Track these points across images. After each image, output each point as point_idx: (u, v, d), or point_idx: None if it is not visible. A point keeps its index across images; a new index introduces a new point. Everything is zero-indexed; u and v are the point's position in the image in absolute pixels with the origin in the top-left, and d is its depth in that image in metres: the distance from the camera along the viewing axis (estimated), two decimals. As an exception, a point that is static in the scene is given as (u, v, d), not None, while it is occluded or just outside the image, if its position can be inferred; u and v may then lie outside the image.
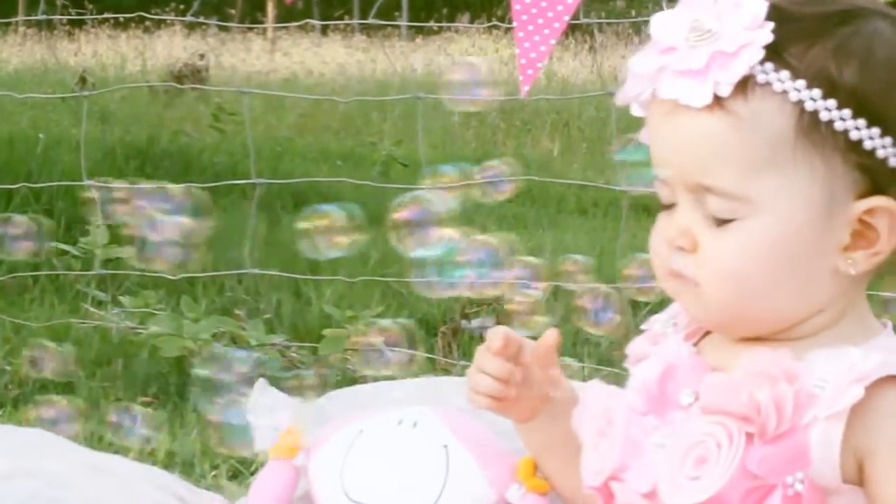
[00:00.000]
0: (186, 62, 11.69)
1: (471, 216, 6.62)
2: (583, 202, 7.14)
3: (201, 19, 7.29)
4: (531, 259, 1.78)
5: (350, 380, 3.45)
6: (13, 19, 14.02)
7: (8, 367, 3.49)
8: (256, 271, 4.06)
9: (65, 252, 4.49)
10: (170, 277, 4.06)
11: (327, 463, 1.82)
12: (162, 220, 1.65)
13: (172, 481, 2.15)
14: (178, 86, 9.84)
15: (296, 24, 10.89)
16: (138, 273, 4.27)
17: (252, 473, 2.76)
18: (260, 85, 11.41)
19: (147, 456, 2.89)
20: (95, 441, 3.00)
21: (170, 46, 15.10)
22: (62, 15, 8.77)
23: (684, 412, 1.32)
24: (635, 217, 4.95)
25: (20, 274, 4.45)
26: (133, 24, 15.69)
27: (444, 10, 20.42)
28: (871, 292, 1.38)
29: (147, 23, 14.77)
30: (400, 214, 1.55)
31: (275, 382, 2.73)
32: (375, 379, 2.69)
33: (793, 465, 1.24)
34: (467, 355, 3.81)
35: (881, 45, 1.27)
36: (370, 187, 5.91)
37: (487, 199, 1.56)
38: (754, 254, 1.28)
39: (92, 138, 6.13)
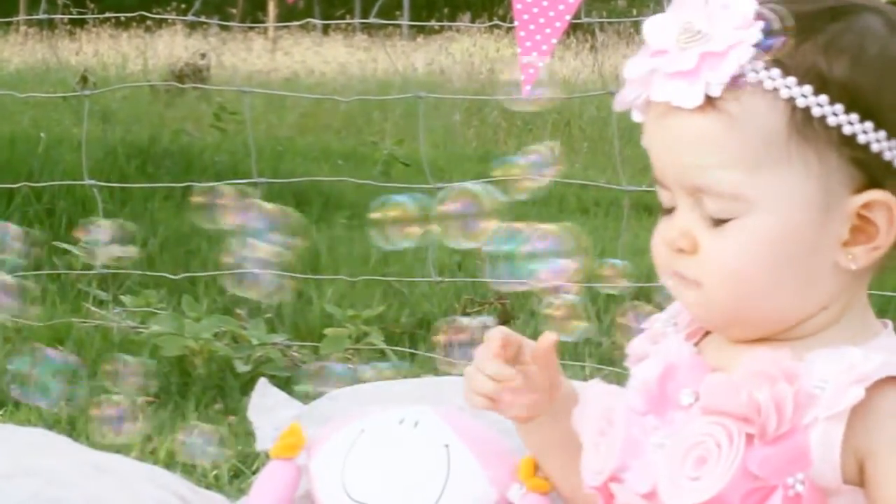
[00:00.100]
0: (188, 61, 11.69)
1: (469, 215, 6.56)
2: (584, 202, 7.14)
3: (202, 19, 7.29)
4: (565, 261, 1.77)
5: (351, 379, 3.45)
6: (14, 18, 14.03)
7: (9, 367, 3.49)
8: (257, 271, 4.06)
9: (66, 251, 4.50)
10: (171, 277, 4.06)
11: (328, 462, 1.82)
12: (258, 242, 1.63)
13: (174, 480, 2.15)
14: (180, 85, 9.85)
15: (297, 23, 10.89)
16: (139, 272, 4.28)
17: (253, 473, 2.77)
18: (261, 84, 11.41)
19: (148, 455, 2.90)
20: (97, 440, 3.01)
21: (171, 46, 15.10)
22: (63, 14, 8.76)
23: (684, 412, 1.32)
24: (636, 216, 4.96)
25: (21, 273, 4.44)
26: (134, 24, 15.70)
27: (446, 10, 20.41)
28: (873, 292, 1.38)
29: (148, 22, 14.78)
30: (448, 207, 1.54)
31: (276, 382, 2.73)
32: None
33: (793, 466, 1.24)
34: (469, 355, 3.81)
35: (872, 39, 1.27)
36: (371, 187, 5.92)
37: (532, 185, 1.56)
38: (753, 252, 1.28)
39: (93, 137, 6.14)
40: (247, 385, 3.13)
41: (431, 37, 16.07)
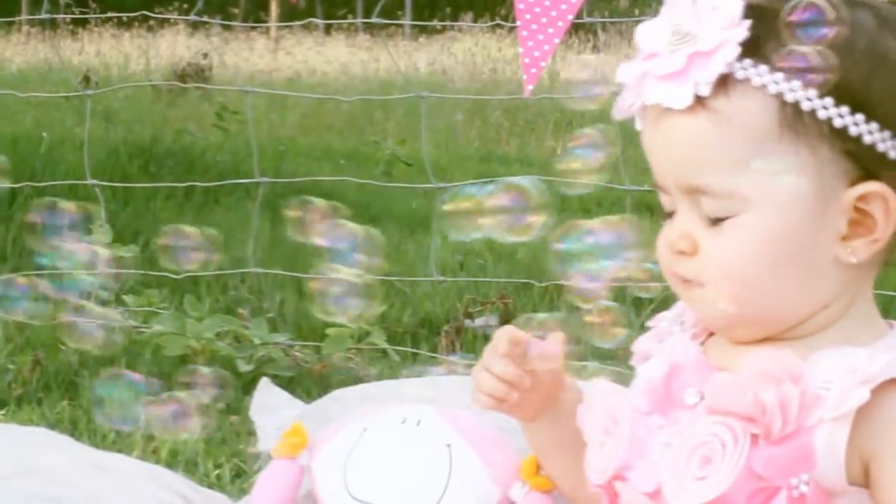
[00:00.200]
0: (190, 61, 11.69)
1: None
2: (586, 202, 7.13)
3: (205, 18, 7.29)
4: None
5: (354, 378, 3.45)
6: (17, 18, 14.03)
7: (11, 366, 3.49)
8: (260, 270, 4.06)
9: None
10: (173, 276, 4.06)
11: (331, 462, 1.81)
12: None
13: (175, 480, 2.15)
14: (182, 85, 9.86)
15: (299, 23, 10.88)
16: (141, 272, 4.28)
17: (255, 472, 2.76)
18: (263, 84, 11.41)
19: (150, 454, 2.90)
20: (99, 440, 3.01)
21: (173, 45, 15.10)
22: (66, 14, 8.76)
23: (689, 412, 1.32)
24: (638, 216, 4.95)
25: (24, 273, 4.45)
26: (136, 23, 15.70)
27: (448, 9, 20.41)
28: (875, 291, 1.37)
29: (150, 22, 14.78)
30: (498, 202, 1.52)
31: (278, 381, 2.73)
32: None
33: (798, 467, 1.24)
34: (471, 354, 3.81)
35: (861, 33, 1.28)
36: (373, 186, 5.92)
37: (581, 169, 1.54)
38: (752, 249, 1.29)
39: (95, 137, 6.14)
40: (249, 385, 3.12)
41: (433, 36, 16.08)
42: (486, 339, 4.03)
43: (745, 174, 1.27)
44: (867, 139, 1.26)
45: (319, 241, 1.65)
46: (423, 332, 4.12)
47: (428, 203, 5.69)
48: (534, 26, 2.81)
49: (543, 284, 4.25)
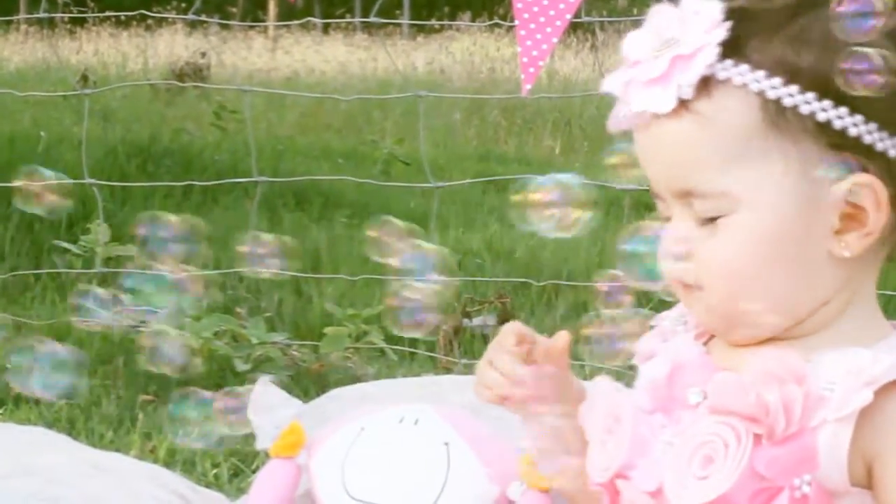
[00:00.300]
0: (188, 60, 11.69)
1: (472, 214, 6.58)
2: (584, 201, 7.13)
3: (203, 17, 7.29)
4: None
5: (352, 378, 3.45)
6: (15, 17, 14.04)
7: (9, 366, 3.49)
8: (258, 269, 4.06)
9: (66, 250, 4.50)
10: (171, 276, 4.06)
11: (329, 461, 1.81)
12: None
13: (173, 479, 2.15)
14: (180, 84, 9.85)
15: (297, 22, 10.88)
16: (139, 272, 4.27)
17: (253, 472, 2.76)
18: (261, 83, 11.41)
19: (148, 454, 2.89)
20: (97, 439, 3.01)
21: (171, 45, 15.10)
22: (64, 13, 8.76)
23: (692, 411, 1.32)
24: (637, 215, 4.95)
25: (21, 272, 4.45)
26: (135, 23, 15.70)
27: (446, 9, 20.42)
28: (878, 291, 1.37)
29: (149, 21, 14.78)
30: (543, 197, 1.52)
31: (276, 381, 2.73)
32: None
33: (800, 468, 1.23)
34: (469, 354, 3.81)
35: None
36: (372, 185, 5.92)
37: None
38: (746, 248, 1.29)
39: (93, 136, 6.13)
40: (247, 384, 3.12)
41: (432, 36, 16.08)
42: (485, 338, 4.04)
43: (734, 173, 1.28)
44: (853, 132, 1.27)
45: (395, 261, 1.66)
46: (421, 331, 4.11)
47: (426, 202, 5.69)
48: (532, 26, 2.81)
49: (542, 284, 4.26)
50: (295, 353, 3.78)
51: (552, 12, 2.80)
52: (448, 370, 3.72)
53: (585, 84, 11.78)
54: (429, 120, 9.11)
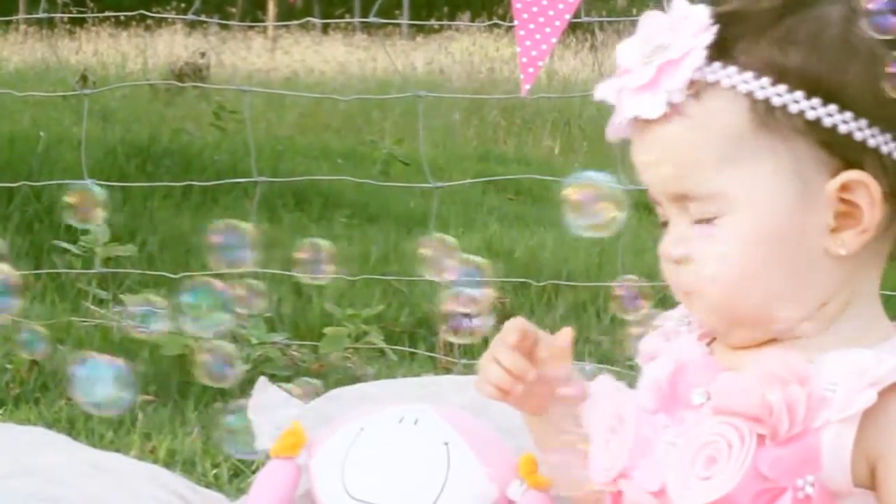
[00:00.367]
0: (187, 60, 11.69)
1: (472, 214, 6.58)
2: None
3: (202, 18, 7.29)
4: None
5: (351, 378, 3.45)
6: (14, 17, 14.03)
7: (9, 366, 3.49)
8: (257, 270, 4.05)
9: (66, 250, 4.49)
10: (170, 276, 4.06)
11: (328, 461, 1.81)
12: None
13: (173, 480, 2.15)
14: (179, 84, 9.86)
15: (296, 22, 10.90)
16: (139, 272, 4.28)
17: (253, 472, 2.76)
18: (261, 83, 11.41)
19: (148, 454, 2.89)
20: (97, 439, 3.01)
21: (171, 45, 15.10)
22: (63, 13, 8.76)
23: (695, 412, 1.32)
24: (637, 216, 4.95)
25: (21, 272, 4.45)
26: (134, 23, 15.70)
27: (445, 9, 20.42)
28: (881, 292, 1.37)
29: (148, 21, 14.78)
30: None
31: (276, 381, 2.73)
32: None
33: (804, 468, 1.24)
34: (468, 354, 3.81)
35: (829, 25, 1.29)
36: (371, 186, 5.92)
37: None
38: (743, 249, 1.29)
39: (93, 137, 6.13)
40: (246, 384, 3.12)
41: (431, 36, 16.08)
42: (484, 338, 4.03)
43: (726, 175, 1.29)
44: (843, 129, 1.27)
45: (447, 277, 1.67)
46: (420, 331, 4.12)
47: (425, 202, 5.69)
48: (531, 26, 2.81)
49: (541, 284, 4.26)
50: (294, 353, 3.78)
51: (551, 12, 2.80)
52: (448, 370, 3.72)
53: (585, 84, 11.77)
54: (428, 120, 9.11)
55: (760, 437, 1.25)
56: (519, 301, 4.32)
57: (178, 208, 5.72)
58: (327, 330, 3.77)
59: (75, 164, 4.88)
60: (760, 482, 1.24)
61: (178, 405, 3.30)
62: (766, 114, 1.27)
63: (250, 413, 2.42)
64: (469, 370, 3.46)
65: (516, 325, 1.51)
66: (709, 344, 1.40)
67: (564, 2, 2.80)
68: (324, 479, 1.81)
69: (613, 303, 1.54)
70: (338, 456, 1.81)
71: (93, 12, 8.83)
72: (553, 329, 1.55)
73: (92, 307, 4.14)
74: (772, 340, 1.33)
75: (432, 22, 14.00)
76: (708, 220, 1.30)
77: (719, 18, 1.29)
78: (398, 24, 14.10)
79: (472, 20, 16.22)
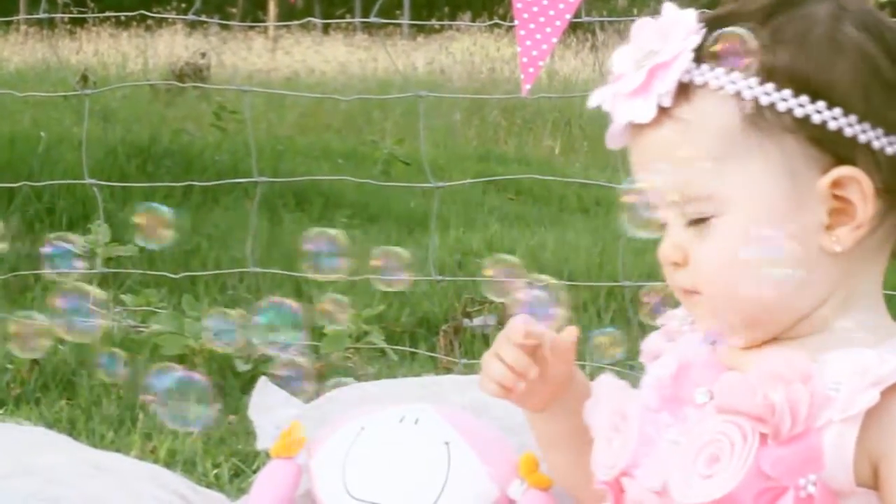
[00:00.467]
0: (188, 61, 11.69)
1: (472, 214, 6.58)
2: (584, 201, 7.14)
3: (203, 18, 7.29)
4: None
5: (352, 378, 3.44)
6: (15, 18, 14.04)
7: (9, 366, 3.49)
8: (258, 270, 4.06)
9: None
10: (171, 276, 4.06)
11: (329, 461, 1.81)
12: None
13: (174, 479, 2.15)
14: (180, 84, 9.86)
15: (297, 22, 10.89)
16: (140, 272, 4.28)
17: (254, 472, 2.76)
18: (261, 83, 11.42)
19: (149, 454, 2.89)
20: (97, 439, 3.01)
21: (171, 45, 15.11)
22: (64, 13, 8.77)
23: (698, 410, 1.33)
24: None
25: (21, 272, 4.45)
26: (135, 23, 15.71)
27: (446, 9, 20.43)
28: (888, 292, 1.37)
29: (149, 21, 14.79)
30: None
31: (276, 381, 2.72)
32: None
33: (806, 467, 1.24)
34: (469, 354, 3.81)
35: (816, 24, 1.30)
36: (372, 186, 5.92)
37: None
38: (736, 248, 1.29)
39: (93, 137, 6.13)
40: (247, 384, 3.12)
41: (432, 36, 16.09)
42: (485, 338, 4.03)
43: (719, 174, 1.30)
44: (832, 125, 1.28)
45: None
46: (421, 331, 4.12)
47: (426, 202, 5.69)
48: (532, 26, 2.81)
49: (541, 284, 4.25)
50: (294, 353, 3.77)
51: (552, 12, 2.80)
52: (448, 370, 3.71)
53: (585, 84, 11.77)
54: (429, 120, 9.12)
55: (763, 436, 1.25)
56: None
57: (179, 208, 5.71)
58: (328, 330, 3.77)
59: (76, 165, 4.88)
60: (762, 481, 1.24)
61: (179, 405, 3.29)
62: (755, 113, 1.28)
63: (251, 413, 2.42)
64: (469, 370, 3.46)
65: (521, 324, 1.51)
66: (712, 343, 1.40)
67: (565, 2, 2.80)
68: (324, 478, 1.81)
69: (642, 310, 1.54)
70: (338, 456, 1.81)
71: (93, 12, 8.82)
72: (554, 329, 1.55)
73: (92, 307, 4.13)
74: (773, 340, 1.33)
75: (433, 22, 13.99)
76: (704, 221, 1.31)
77: (710, 22, 1.31)
78: (399, 25, 14.11)
79: (473, 20, 16.22)
